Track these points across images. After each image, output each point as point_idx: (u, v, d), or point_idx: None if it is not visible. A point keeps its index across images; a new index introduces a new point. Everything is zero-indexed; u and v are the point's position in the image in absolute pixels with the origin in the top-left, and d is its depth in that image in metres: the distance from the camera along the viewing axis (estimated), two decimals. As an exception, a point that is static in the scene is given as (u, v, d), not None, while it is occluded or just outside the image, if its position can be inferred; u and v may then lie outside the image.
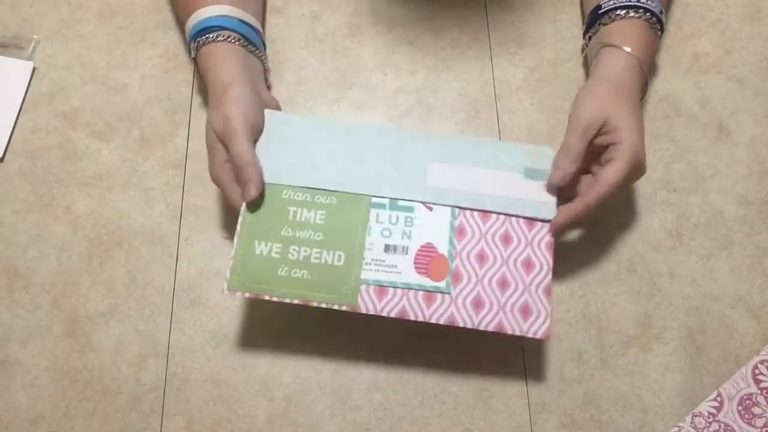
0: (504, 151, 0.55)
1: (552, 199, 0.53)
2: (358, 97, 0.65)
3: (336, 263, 0.51)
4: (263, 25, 0.65)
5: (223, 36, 0.57)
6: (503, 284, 0.51)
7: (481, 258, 0.52)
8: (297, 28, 0.68)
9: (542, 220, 0.53)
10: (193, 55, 0.59)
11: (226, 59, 0.56)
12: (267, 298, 0.50)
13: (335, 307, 0.50)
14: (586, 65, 0.64)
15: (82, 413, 0.54)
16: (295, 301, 0.50)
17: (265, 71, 0.62)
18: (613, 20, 0.58)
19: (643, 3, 0.58)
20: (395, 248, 0.52)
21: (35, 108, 0.64)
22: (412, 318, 0.50)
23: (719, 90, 0.66)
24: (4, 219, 0.60)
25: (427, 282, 0.51)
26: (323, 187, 0.53)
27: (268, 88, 0.63)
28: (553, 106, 0.65)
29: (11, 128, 0.63)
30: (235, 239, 0.51)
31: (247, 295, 0.50)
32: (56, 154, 0.63)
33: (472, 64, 0.66)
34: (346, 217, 0.52)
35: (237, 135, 0.51)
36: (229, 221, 0.60)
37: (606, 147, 0.53)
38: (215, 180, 0.54)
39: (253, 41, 0.59)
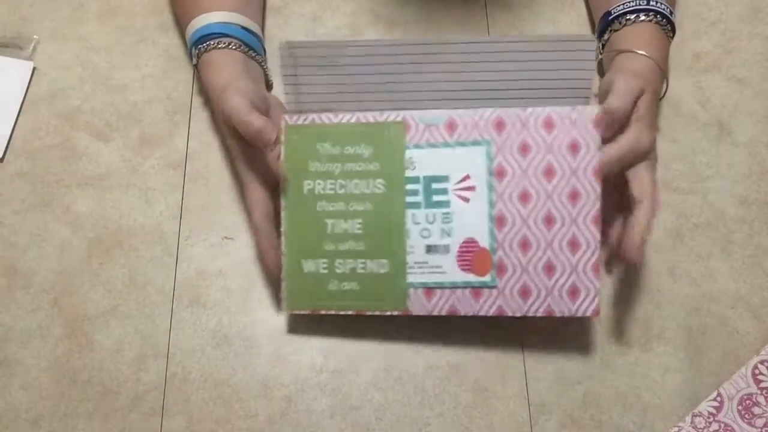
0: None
1: (592, 38, 0.53)
2: (358, 97, 0.65)
3: (381, 271, 0.52)
4: (263, 28, 0.65)
5: (224, 43, 0.57)
6: (549, 269, 0.51)
7: (525, 198, 0.51)
8: (297, 28, 0.68)
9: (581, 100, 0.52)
10: (194, 62, 0.59)
11: (226, 65, 0.56)
12: (323, 312, 0.53)
13: (387, 313, 0.52)
14: (601, 72, 0.64)
15: (82, 413, 0.54)
16: (350, 312, 0.52)
17: (266, 76, 0.62)
18: (624, 25, 0.58)
19: (653, 6, 0.57)
20: (437, 248, 0.52)
21: (35, 108, 0.64)
22: (462, 314, 0.51)
23: (719, 90, 0.66)
24: (4, 219, 0.60)
25: (473, 278, 0.51)
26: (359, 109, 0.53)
27: (269, 90, 0.63)
28: (553, 106, 0.65)
29: (11, 128, 0.63)
30: (282, 260, 0.53)
31: (305, 312, 0.53)
32: (56, 154, 0.63)
33: (472, 64, 0.66)
34: (383, 222, 0.53)
35: (240, 108, 0.50)
36: (230, 221, 0.60)
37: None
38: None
39: (253, 47, 0.59)
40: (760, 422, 0.54)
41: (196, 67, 0.59)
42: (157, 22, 0.68)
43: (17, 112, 0.64)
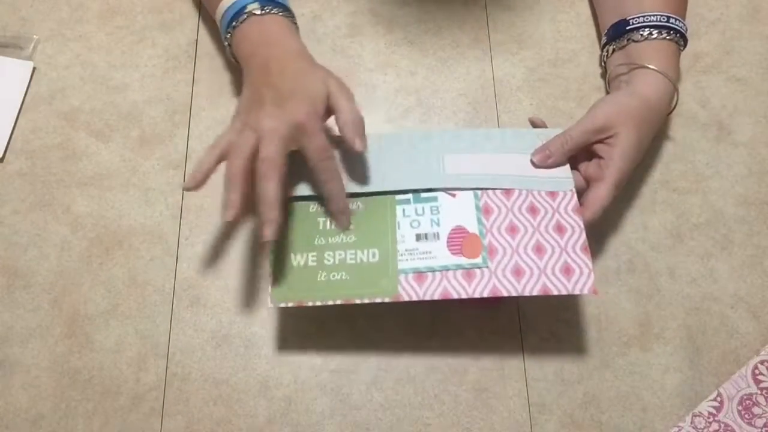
0: (515, 136, 0.56)
1: (568, 173, 0.54)
2: (358, 97, 0.65)
3: (371, 260, 0.52)
4: None
5: (285, 13, 0.58)
6: (539, 250, 0.51)
7: (513, 230, 0.52)
8: (297, 28, 0.68)
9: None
10: (243, 18, 0.57)
11: (295, 33, 0.58)
12: (310, 304, 0.51)
13: (377, 300, 0.51)
14: (604, 75, 0.64)
15: (82, 413, 0.54)
16: (338, 302, 0.51)
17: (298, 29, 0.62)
18: (646, 39, 0.58)
19: (673, 24, 0.58)
20: (426, 236, 0.52)
21: (35, 108, 0.64)
22: (455, 296, 0.50)
23: (719, 90, 0.66)
24: (4, 219, 0.60)
25: (464, 260, 0.51)
26: (347, 191, 0.53)
27: None
28: (553, 106, 0.65)
29: (11, 128, 0.63)
30: (269, 256, 0.52)
31: (291, 304, 0.51)
32: (56, 154, 0.63)
33: (472, 64, 0.66)
34: (374, 218, 0.53)
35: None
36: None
37: (595, 151, 0.55)
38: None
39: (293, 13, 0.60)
40: (760, 422, 0.54)
41: (241, 21, 0.57)
42: (157, 22, 0.68)
43: (17, 112, 0.64)
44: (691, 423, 0.54)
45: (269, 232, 0.49)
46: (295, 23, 0.60)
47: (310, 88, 0.52)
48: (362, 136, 0.52)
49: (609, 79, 0.62)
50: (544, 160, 0.54)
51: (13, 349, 0.56)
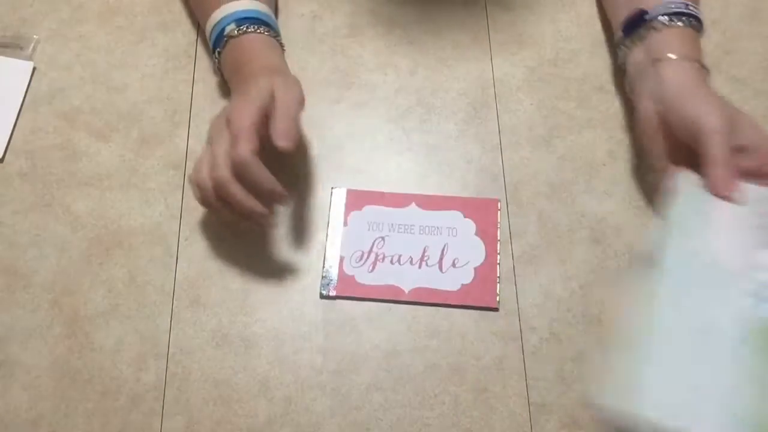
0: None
1: None
2: (358, 97, 0.65)
3: None
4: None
5: (261, 29, 0.59)
6: None
7: None
8: (297, 28, 0.68)
9: None
10: (223, 42, 0.59)
11: (271, 47, 0.60)
12: None
13: None
14: (617, 67, 0.63)
15: (82, 413, 0.54)
16: None
17: (282, 48, 0.63)
18: (668, 26, 0.57)
19: (691, 10, 0.57)
20: None
21: (35, 108, 0.64)
22: None
23: (719, 90, 0.65)
24: (4, 219, 0.60)
25: None
26: None
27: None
28: (553, 106, 0.65)
29: (11, 128, 0.63)
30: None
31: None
32: (56, 154, 0.63)
33: (472, 64, 0.66)
34: None
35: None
36: (229, 221, 0.60)
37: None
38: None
39: (279, 33, 0.62)
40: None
41: (222, 49, 0.60)
42: (157, 22, 0.68)
43: (17, 112, 0.64)
44: (691, 423, 0.54)
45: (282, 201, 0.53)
46: (275, 37, 0.61)
47: (251, 88, 0.54)
48: (288, 136, 0.51)
49: (631, 76, 0.59)
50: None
51: (13, 349, 0.56)
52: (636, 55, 0.58)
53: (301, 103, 0.54)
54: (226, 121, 0.53)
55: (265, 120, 0.52)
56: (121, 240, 0.59)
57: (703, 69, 0.56)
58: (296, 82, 0.56)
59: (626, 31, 0.60)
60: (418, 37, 0.67)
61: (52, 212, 0.60)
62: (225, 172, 0.51)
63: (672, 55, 0.55)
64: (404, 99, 0.65)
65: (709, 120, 0.51)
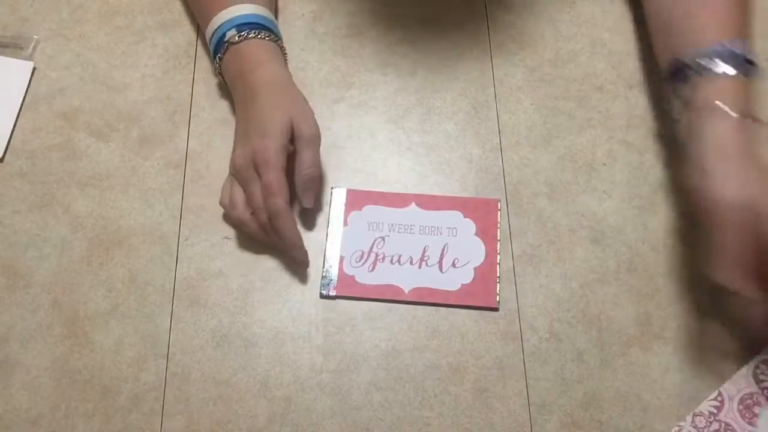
0: None
1: None
2: (358, 97, 0.65)
3: None
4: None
5: (263, 35, 0.59)
6: None
7: None
8: (297, 28, 0.68)
9: None
10: (224, 48, 0.59)
11: (274, 54, 0.60)
12: None
13: None
14: (662, 110, 0.60)
15: (82, 413, 0.54)
16: None
17: (285, 55, 0.64)
18: (705, 77, 0.51)
19: (736, 50, 0.51)
20: None
21: (35, 108, 0.64)
22: None
23: None
24: (4, 219, 0.60)
25: None
26: None
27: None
28: (553, 107, 0.65)
29: (11, 128, 0.63)
30: None
31: None
32: (56, 154, 0.63)
33: (472, 64, 0.66)
34: None
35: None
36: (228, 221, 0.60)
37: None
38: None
39: (280, 36, 0.63)
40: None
41: (224, 54, 0.60)
42: (157, 22, 0.68)
43: (17, 112, 0.64)
44: (692, 422, 0.54)
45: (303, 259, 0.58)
46: (276, 42, 0.61)
47: (270, 121, 0.55)
48: (311, 193, 0.57)
49: (683, 130, 0.54)
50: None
51: (13, 349, 0.56)
52: (678, 107, 0.55)
53: (319, 138, 0.57)
54: (252, 163, 0.55)
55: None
56: (121, 240, 0.59)
57: (753, 121, 0.50)
58: (308, 109, 0.58)
59: (666, 79, 0.56)
60: (418, 37, 0.67)
61: (52, 212, 0.60)
62: (264, 217, 0.55)
63: (747, 114, 0.49)
64: (404, 99, 0.65)
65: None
